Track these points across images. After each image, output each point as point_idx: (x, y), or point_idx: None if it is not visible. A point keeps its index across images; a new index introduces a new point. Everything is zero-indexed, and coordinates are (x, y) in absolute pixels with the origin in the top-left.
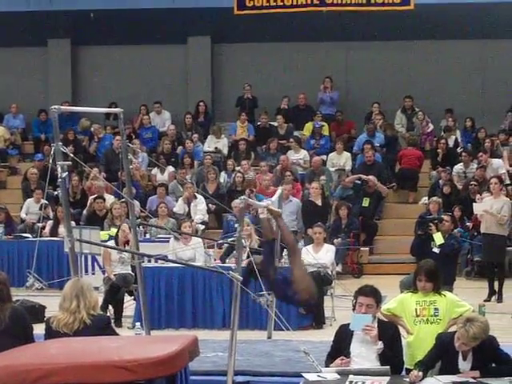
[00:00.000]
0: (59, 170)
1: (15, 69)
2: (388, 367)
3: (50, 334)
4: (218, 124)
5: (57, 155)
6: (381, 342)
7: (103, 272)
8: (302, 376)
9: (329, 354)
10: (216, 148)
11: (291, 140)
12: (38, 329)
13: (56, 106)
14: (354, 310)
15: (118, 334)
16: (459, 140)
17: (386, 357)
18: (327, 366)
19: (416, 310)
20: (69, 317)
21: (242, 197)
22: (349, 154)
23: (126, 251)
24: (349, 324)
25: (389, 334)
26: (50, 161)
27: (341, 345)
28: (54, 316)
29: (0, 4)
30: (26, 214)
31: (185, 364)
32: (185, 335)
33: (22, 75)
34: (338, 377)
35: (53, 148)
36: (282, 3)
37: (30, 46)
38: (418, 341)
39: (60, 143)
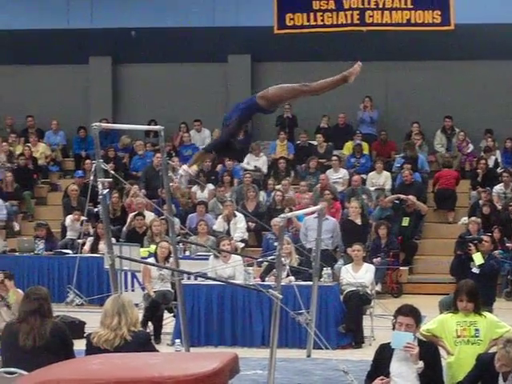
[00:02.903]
0: (100, 186)
1: (56, 86)
2: None
3: (91, 349)
4: (257, 142)
5: (98, 172)
6: (421, 362)
7: (143, 289)
8: None
9: (368, 374)
10: (255, 166)
11: (333, 158)
12: (78, 345)
13: (97, 124)
14: (393, 329)
15: (157, 351)
16: (499, 160)
17: (426, 377)
18: None
19: (457, 330)
20: (110, 333)
21: (282, 215)
22: (388, 174)
23: (166, 268)
24: (389, 343)
25: (429, 353)
26: (91, 177)
27: (380, 364)
28: (95, 332)
29: (41, 21)
30: (67, 231)
31: (225, 382)
32: (225, 352)
33: (62, 92)
34: None
35: (94, 165)
36: (322, 23)
37: (71, 63)
38: (458, 361)
39: (101, 160)
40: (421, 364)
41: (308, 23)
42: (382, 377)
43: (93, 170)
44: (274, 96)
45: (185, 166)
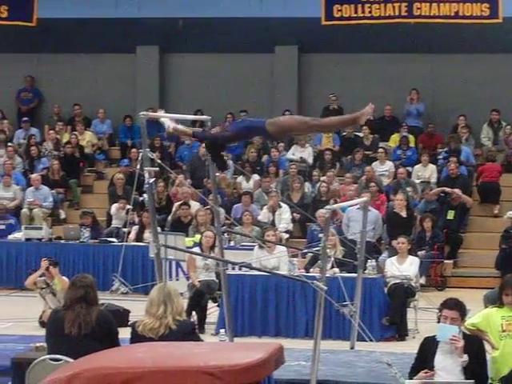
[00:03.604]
0: (146, 175)
1: (103, 75)
2: (472, 381)
3: (136, 338)
4: None
5: (144, 161)
6: (466, 355)
7: (187, 278)
8: None
9: (413, 367)
10: (301, 157)
11: (379, 151)
12: (122, 333)
13: (144, 113)
14: (438, 322)
15: (202, 340)
16: None
17: (471, 371)
18: (411, 378)
19: (502, 325)
20: (155, 322)
21: (328, 206)
22: (434, 167)
23: (211, 258)
24: (433, 336)
25: (474, 347)
26: (138, 166)
27: (425, 357)
28: (140, 320)
29: (89, 10)
30: (112, 219)
31: (270, 372)
32: (270, 343)
33: (109, 81)
34: None
35: (140, 154)
36: (369, 14)
37: (118, 52)
38: (503, 356)
39: (147, 149)
40: (465, 357)
41: (356, 15)
42: (426, 370)
43: (139, 158)
44: (285, 124)
45: (171, 123)
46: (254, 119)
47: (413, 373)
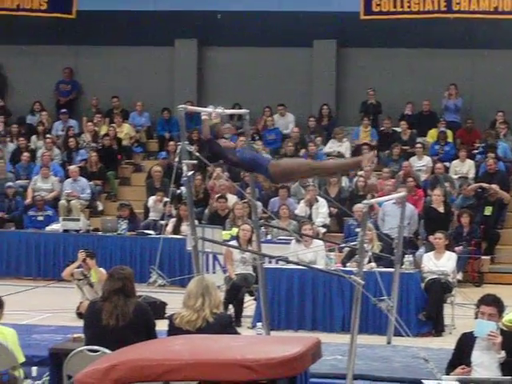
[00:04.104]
0: (184, 168)
1: (142, 67)
2: (510, 378)
3: (173, 330)
4: (341, 128)
5: (182, 154)
6: (503, 352)
7: (224, 271)
8: (421, 383)
9: (449, 362)
10: (338, 152)
11: (417, 146)
12: (159, 325)
13: (183, 106)
14: (476, 318)
15: (239, 334)
16: None
17: (508, 367)
18: (447, 374)
19: None
20: (192, 314)
21: (365, 201)
22: (472, 162)
23: (248, 251)
24: (471, 332)
25: (511, 344)
26: (176, 159)
27: (462, 353)
28: (178, 313)
29: (128, 3)
30: (149, 212)
31: (307, 366)
32: (308, 337)
33: (148, 74)
34: None
35: (178, 146)
36: (408, 9)
37: (157, 45)
38: None
39: (186, 142)
40: (503, 354)
41: (394, 9)
42: (463, 366)
43: (177, 151)
44: (287, 167)
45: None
46: (261, 156)
47: (450, 368)
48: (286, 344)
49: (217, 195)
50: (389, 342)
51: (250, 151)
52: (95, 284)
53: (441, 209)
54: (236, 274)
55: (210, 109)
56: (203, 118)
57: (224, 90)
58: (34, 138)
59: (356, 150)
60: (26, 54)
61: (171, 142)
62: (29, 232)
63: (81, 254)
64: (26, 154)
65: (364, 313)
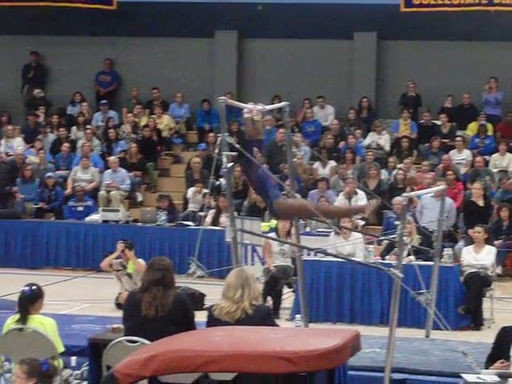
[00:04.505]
0: (224, 160)
1: (182, 58)
2: None
3: (212, 321)
4: (380, 120)
5: (223, 145)
6: None
7: (263, 263)
8: (460, 377)
9: (489, 356)
10: (378, 144)
11: (457, 139)
12: (197, 316)
13: (223, 97)
14: None
15: (277, 325)
16: None
17: None
18: (486, 368)
19: None
20: (231, 305)
21: (405, 194)
22: None
23: (287, 243)
24: (510, 326)
25: None
26: (216, 150)
27: (502, 347)
28: (217, 304)
29: None
30: (188, 203)
31: (346, 359)
32: (347, 330)
33: (188, 65)
34: (498, 379)
35: (219, 138)
36: (449, 2)
37: (197, 36)
38: None
39: (226, 134)
40: None
41: (435, 2)
42: (502, 360)
43: (218, 143)
44: (290, 208)
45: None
46: (274, 190)
47: (489, 362)
48: (326, 336)
49: None
50: (427, 336)
51: (270, 179)
52: (134, 275)
53: (480, 202)
54: (275, 266)
55: (250, 105)
56: (245, 116)
57: (264, 82)
58: (74, 128)
59: (395, 143)
60: (67, 45)
61: (211, 134)
62: (68, 222)
63: (119, 245)
64: (66, 145)
65: (402, 306)
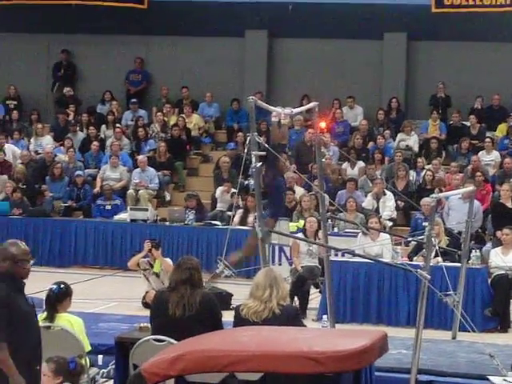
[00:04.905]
0: (253, 159)
1: (212, 58)
2: None
3: (239, 321)
4: (409, 121)
5: (252, 145)
6: None
7: (290, 263)
8: (487, 379)
9: None
10: (406, 145)
11: (486, 140)
12: (224, 316)
13: (253, 97)
14: None
15: (305, 326)
16: None
17: None
18: None
19: None
20: (259, 305)
21: (433, 195)
22: None
23: (315, 243)
24: None
25: None
26: (245, 150)
27: None
28: (244, 304)
29: None
30: (217, 202)
31: (374, 360)
32: (374, 331)
33: (218, 64)
34: None
35: (248, 137)
36: (480, 2)
37: (227, 36)
38: None
39: (255, 133)
40: None
41: (466, 3)
42: None
43: (247, 142)
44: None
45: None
46: (275, 208)
47: None
48: (353, 337)
49: None
50: (454, 337)
51: (281, 197)
52: (161, 274)
53: (509, 204)
54: (302, 266)
55: (279, 109)
56: (272, 119)
57: (293, 82)
58: (103, 127)
59: (424, 144)
60: (98, 44)
61: (240, 133)
62: (97, 221)
63: (147, 244)
64: (95, 143)
65: (429, 307)
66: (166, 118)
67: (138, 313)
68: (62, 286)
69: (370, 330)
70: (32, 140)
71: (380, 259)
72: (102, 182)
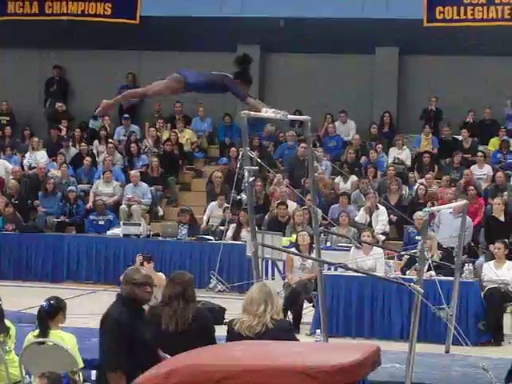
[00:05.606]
0: (246, 174)
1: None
2: None
3: (232, 336)
4: (401, 135)
5: (245, 160)
6: None
7: (283, 278)
8: None
9: (509, 372)
10: (398, 159)
11: (478, 154)
12: (217, 331)
13: (245, 111)
14: None
15: (298, 340)
16: None
17: None
18: (507, 383)
19: None
20: (253, 320)
21: (426, 209)
22: None
23: (307, 258)
24: None
25: None
26: (238, 165)
27: None
28: (237, 318)
29: (192, 8)
30: (209, 217)
31: (367, 374)
32: (367, 344)
33: None
34: None
35: (241, 152)
36: (472, 17)
37: (219, 50)
38: None
39: (248, 148)
40: None
41: (458, 17)
42: None
43: (240, 157)
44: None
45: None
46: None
47: (509, 378)
48: (346, 351)
49: (277, 201)
50: (447, 351)
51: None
52: (154, 288)
53: (501, 218)
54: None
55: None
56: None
57: (285, 96)
58: (95, 142)
59: (416, 158)
60: (90, 59)
61: (232, 148)
62: (89, 236)
63: (138, 258)
64: (87, 159)
65: (423, 321)
66: (158, 133)
67: None
68: (52, 301)
69: (363, 344)
70: (27, 154)
71: (373, 273)
72: (95, 198)
